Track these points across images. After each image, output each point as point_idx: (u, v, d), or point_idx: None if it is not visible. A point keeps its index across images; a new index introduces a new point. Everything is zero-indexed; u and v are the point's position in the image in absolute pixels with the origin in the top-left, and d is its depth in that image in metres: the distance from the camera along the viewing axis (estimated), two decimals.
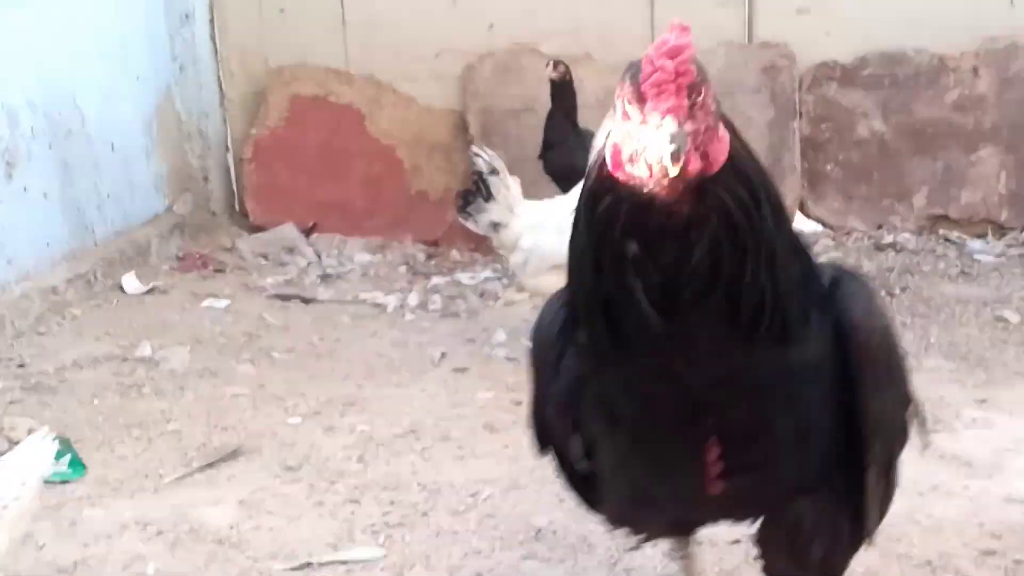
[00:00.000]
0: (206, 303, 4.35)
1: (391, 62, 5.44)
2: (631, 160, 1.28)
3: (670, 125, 1.22)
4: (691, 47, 1.26)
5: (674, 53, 1.23)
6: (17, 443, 2.84)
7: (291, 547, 2.46)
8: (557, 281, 1.59)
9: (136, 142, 5.03)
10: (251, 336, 3.97)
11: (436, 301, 4.38)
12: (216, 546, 2.48)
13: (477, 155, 3.66)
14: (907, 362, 1.66)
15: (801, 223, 4.96)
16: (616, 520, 1.77)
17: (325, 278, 4.75)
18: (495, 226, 3.62)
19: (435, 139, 5.41)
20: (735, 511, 1.68)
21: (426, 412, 3.22)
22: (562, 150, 4.33)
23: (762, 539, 1.72)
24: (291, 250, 5.06)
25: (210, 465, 2.89)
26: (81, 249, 4.50)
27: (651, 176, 1.25)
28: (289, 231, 5.20)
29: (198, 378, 3.55)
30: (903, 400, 1.65)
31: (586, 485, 1.75)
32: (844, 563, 1.70)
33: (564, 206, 2.96)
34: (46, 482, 2.70)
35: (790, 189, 4.99)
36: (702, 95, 1.26)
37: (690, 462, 1.51)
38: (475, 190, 3.64)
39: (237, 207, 5.60)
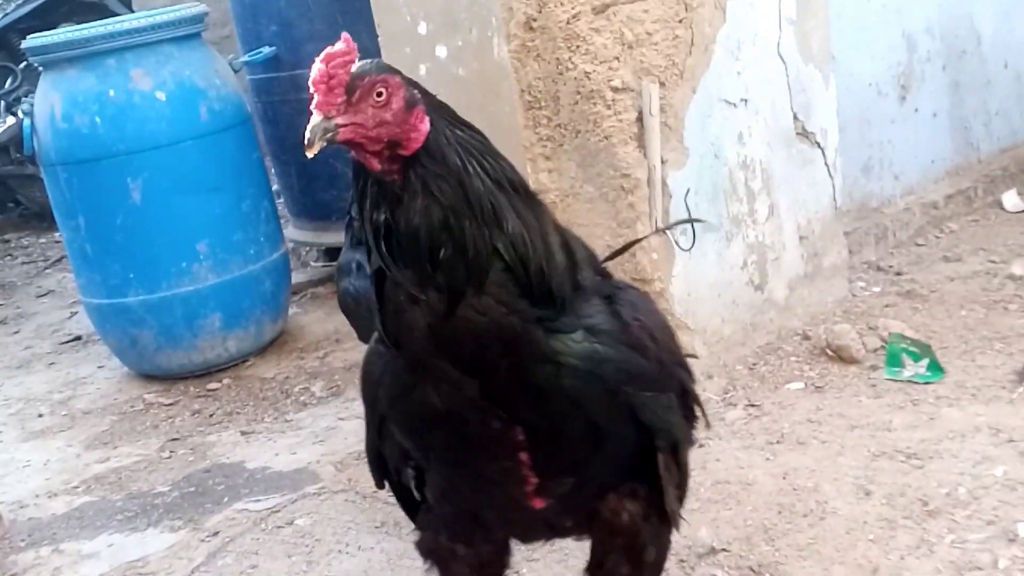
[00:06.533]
0: None
1: None
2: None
3: (315, 116, 1.41)
4: (349, 54, 1.40)
5: (329, 59, 1.40)
6: (885, 343, 3.25)
7: None
8: None
9: None
10: None
11: None
12: None
13: None
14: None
15: None
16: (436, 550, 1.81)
17: None
18: None
19: None
20: (562, 522, 1.74)
21: None
22: None
23: (597, 551, 1.76)
24: None
25: None
26: (963, 165, 4.69)
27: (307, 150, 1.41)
28: None
29: None
30: (671, 401, 1.64)
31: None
32: (666, 557, 1.78)
33: None
34: (907, 380, 3.10)
35: None
36: (358, 94, 1.41)
37: (506, 476, 1.58)
38: None
39: None
